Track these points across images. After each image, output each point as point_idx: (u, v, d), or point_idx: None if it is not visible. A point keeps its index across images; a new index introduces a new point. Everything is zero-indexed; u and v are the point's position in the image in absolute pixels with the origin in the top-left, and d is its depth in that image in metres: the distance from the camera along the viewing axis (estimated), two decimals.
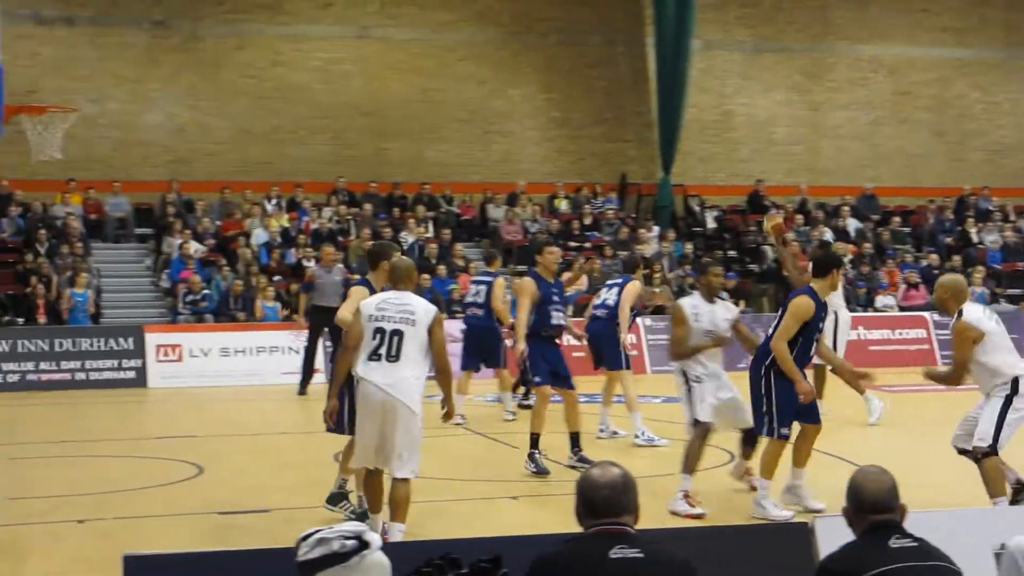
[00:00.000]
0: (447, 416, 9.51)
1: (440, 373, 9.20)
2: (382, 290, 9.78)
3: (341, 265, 22.46)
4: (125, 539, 9.78)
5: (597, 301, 15.61)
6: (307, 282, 20.77)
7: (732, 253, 31.13)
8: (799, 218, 31.62)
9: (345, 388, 9.67)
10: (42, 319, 24.17)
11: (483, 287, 16.74)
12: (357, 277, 15.59)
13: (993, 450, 9.79)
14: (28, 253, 26.00)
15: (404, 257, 10.04)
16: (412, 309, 9.07)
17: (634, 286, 15.47)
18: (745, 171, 34.01)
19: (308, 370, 20.75)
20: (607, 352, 15.15)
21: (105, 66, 30.17)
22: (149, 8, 30.41)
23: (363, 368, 9.02)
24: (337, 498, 10.68)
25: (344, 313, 9.82)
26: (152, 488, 12.26)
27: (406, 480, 9.14)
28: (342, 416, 9.85)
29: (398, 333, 8.97)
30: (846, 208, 32.20)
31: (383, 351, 8.98)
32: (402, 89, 31.92)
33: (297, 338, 21.60)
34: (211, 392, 21.51)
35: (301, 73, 31.34)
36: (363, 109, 31.71)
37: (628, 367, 15.15)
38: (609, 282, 16.06)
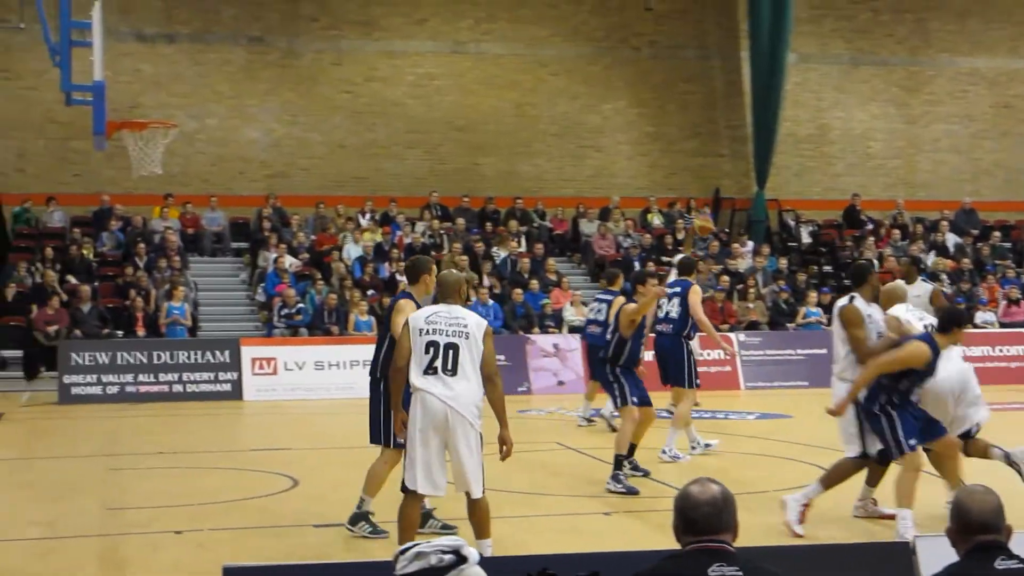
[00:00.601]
0: (505, 454, 9.04)
1: (488, 381, 8.95)
2: (433, 302, 9.80)
3: None
4: (221, 550, 9.86)
5: (660, 315, 15.02)
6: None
7: (827, 268, 30.80)
8: (896, 233, 31.21)
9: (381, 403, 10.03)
10: (141, 332, 24.51)
11: (604, 305, 16.63)
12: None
13: None
14: (128, 267, 26.38)
15: (452, 271, 9.99)
16: (465, 322, 8.97)
17: (696, 290, 14.92)
18: (841, 185, 33.67)
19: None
20: (672, 368, 14.90)
21: (204, 82, 30.60)
22: (248, 25, 30.80)
23: (421, 381, 8.91)
24: (358, 518, 10.61)
25: (397, 328, 9.67)
26: (248, 500, 12.35)
27: (481, 497, 9.04)
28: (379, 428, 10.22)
29: (453, 346, 8.90)
30: (944, 223, 31.73)
31: (439, 364, 8.87)
32: (495, 104, 32.02)
33: None
34: (305, 405, 21.65)
35: (396, 88, 31.55)
36: (457, 124, 31.85)
37: (692, 385, 14.86)
38: (668, 290, 15.03)
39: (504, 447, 8.97)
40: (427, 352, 8.90)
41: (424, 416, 8.89)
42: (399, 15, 31.70)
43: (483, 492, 9.00)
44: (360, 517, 10.57)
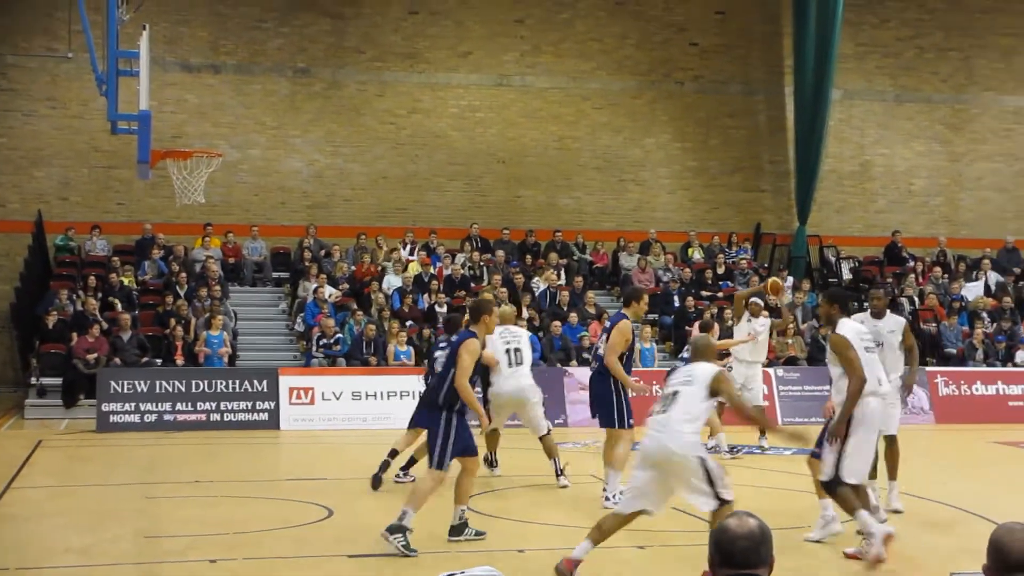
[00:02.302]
0: None
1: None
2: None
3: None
4: None
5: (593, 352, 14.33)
6: None
7: (867, 305, 30.57)
8: (937, 270, 31.03)
9: (455, 422, 11.15)
10: (180, 360, 24.60)
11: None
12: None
13: None
14: (168, 295, 26.50)
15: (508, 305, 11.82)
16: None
17: (623, 327, 13.54)
18: (882, 222, 33.54)
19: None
20: (601, 408, 13.81)
21: (248, 112, 30.82)
22: (293, 56, 31.01)
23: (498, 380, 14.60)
24: (459, 529, 11.38)
25: (465, 364, 11.04)
26: (282, 529, 12.34)
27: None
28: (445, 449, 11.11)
29: (518, 350, 14.80)
30: (986, 261, 31.51)
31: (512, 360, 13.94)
32: (538, 137, 32.10)
33: None
34: (342, 435, 21.65)
35: (439, 120, 31.68)
36: (499, 156, 31.94)
37: (624, 425, 13.60)
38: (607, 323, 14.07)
39: None
40: (506, 355, 14.83)
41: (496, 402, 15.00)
42: (443, 48, 31.85)
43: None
44: (461, 528, 11.46)
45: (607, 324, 14.07)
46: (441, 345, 14.98)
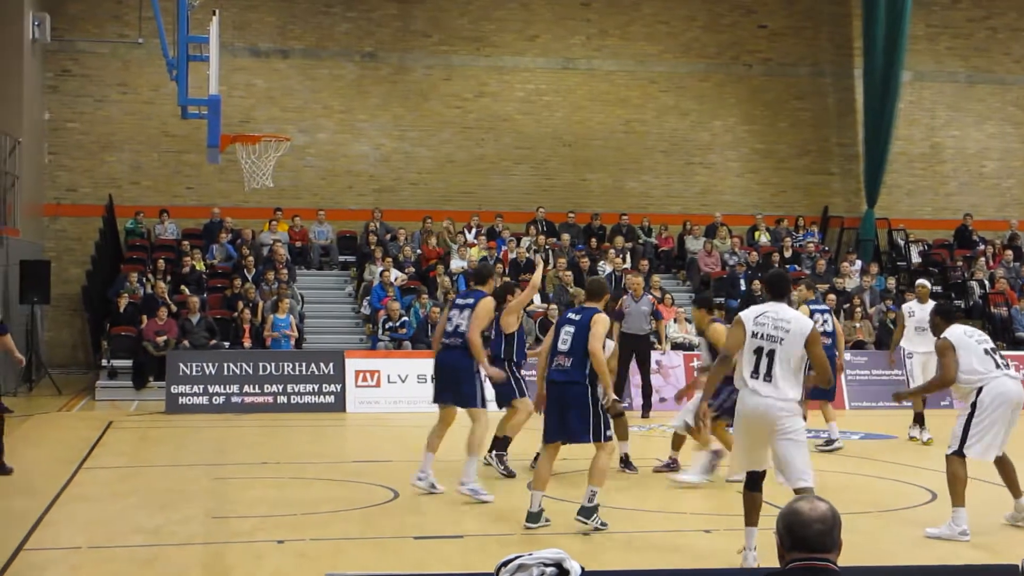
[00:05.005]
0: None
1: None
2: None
3: (650, 296, 23.33)
4: (322, 560, 9.93)
5: (449, 328, 13.27)
6: (618, 311, 20.70)
7: (937, 288, 30.30)
8: (1008, 253, 30.67)
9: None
10: (247, 343, 24.78)
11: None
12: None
13: None
14: (236, 279, 26.71)
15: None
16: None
17: (487, 303, 13.14)
18: (953, 205, 33.18)
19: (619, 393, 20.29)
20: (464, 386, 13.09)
21: (316, 97, 30.96)
22: (360, 41, 31.11)
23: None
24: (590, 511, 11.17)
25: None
26: (349, 511, 12.42)
27: None
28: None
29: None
30: None
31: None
32: (604, 120, 32.01)
33: None
34: (407, 417, 21.67)
35: (505, 104, 31.66)
36: (565, 140, 31.88)
37: (483, 405, 13.08)
38: (463, 300, 13.36)
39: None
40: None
41: None
42: (510, 31, 31.81)
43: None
44: (592, 510, 11.16)
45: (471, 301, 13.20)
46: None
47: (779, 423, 9.34)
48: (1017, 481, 11.50)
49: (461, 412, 13.27)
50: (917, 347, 18.66)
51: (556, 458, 11.55)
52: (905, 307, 19.64)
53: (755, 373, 9.46)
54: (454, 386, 13.07)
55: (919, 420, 18.28)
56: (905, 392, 13.99)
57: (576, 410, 11.10)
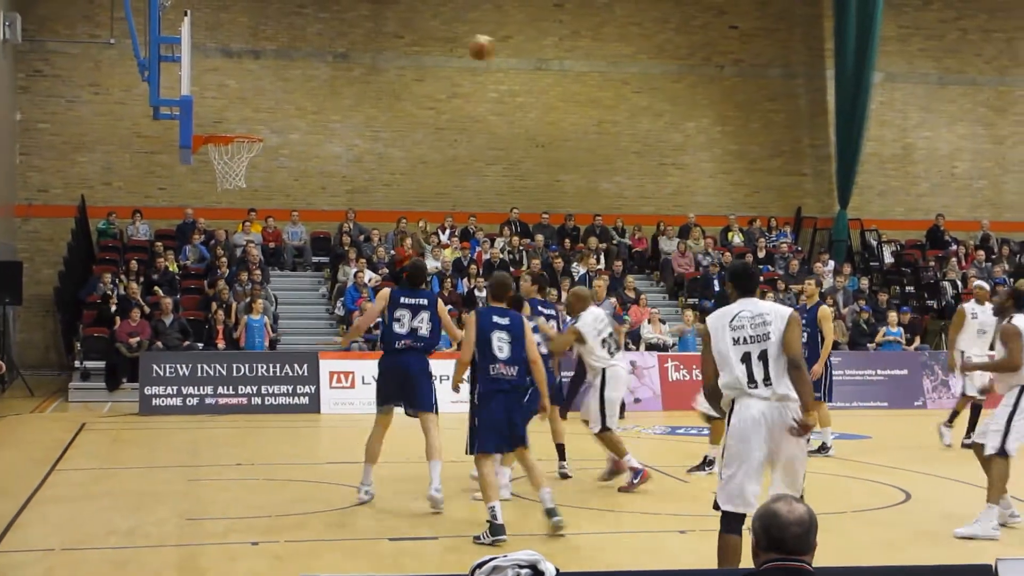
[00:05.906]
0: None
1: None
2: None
3: (612, 300, 23.51)
4: (297, 562, 9.91)
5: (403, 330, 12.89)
6: None
7: (909, 289, 30.47)
8: (980, 254, 30.85)
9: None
10: (221, 344, 24.72)
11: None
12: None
13: None
14: (218, 280, 26.63)
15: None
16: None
17: (443, 304, 13.20)
18: (925, 205, 33.36)
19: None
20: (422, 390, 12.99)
21: (288, 98, 30.91)
22: (332, 41, 31.08)
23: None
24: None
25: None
26: (323, 512, 12.39)
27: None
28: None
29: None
30: None
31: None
32: (577, 121, 32.05)
33: None
34: None
35: (478, 105, 31.67)
36: (538, 141, 31.92)
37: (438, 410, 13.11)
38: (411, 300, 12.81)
39: None
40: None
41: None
42: (483, 32, 31.53)
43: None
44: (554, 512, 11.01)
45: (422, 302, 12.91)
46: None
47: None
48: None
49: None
50: (977, 350, 17.79)
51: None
52: (967, 308, 18.41)
53: (752, 382, 8.31)
54: (409, 390, 12.81)
55: (972, 424, 16.99)
56: (972, 364, 14.73)
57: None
